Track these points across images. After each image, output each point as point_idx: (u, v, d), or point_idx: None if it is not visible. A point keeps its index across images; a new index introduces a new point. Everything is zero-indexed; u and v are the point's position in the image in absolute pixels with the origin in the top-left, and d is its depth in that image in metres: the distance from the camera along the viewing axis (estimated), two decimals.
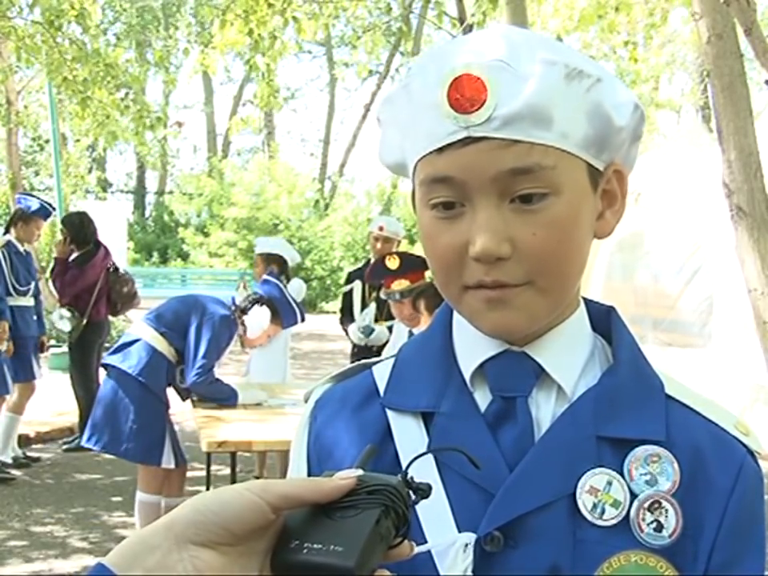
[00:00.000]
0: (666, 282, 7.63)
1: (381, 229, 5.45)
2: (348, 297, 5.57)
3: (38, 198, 6.43)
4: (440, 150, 0.75)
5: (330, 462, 0.84)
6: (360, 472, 0.64)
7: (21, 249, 6.14)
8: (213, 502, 0.58)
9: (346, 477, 0.63)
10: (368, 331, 5.33)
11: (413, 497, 0.64)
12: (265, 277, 5.54)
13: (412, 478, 0.64)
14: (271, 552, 0.60)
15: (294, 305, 5.18)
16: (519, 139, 0.73)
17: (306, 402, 0.91)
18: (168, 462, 4.13)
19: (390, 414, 0.83)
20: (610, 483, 0.76)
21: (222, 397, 4.29)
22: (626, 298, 7.83)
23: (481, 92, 0.72)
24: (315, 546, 0.59)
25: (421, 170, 0.78)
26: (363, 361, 0.92)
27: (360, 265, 5.84)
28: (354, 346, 5.51)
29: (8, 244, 6.03)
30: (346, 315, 5.53)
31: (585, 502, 0.75)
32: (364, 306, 5.45)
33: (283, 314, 4.62)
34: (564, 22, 8.19)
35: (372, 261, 5.47)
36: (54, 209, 6.36)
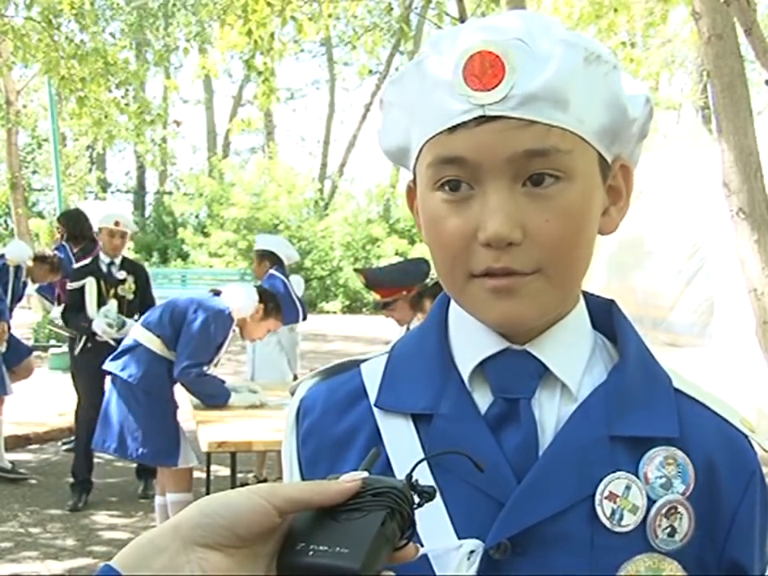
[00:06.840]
0: (666, 283, 7.62)
1: (117, 224, 5.22)
2: (77, 293, 5.24)
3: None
4: (451, 129, 0.71)
5: (318, 469, 0.82)
6: (365, 474, 0.64)
7: (11, 269, 5.99)
8: (220, 505, 0.58)
9: (352, 479, 0.62)
10: (120, 323, 5.14)
11: (417, 499, 0.64)
12: (271, 272, 5.52)
13: (417, 480, 0.64)
14: (277, 554, 0.61)
15: (298, 302, 5.15)
16: (536, 120, 0.70)
17: (292, 395, 0.88)
18: (187, 461, 4.13)
19: (378, 416, 0.80)
20: (628, 488, 0.73)
21: (211, 392, 4.16)
22: (625, 298, 7.82)
23: (498, 70, 0.70)
24: (321, 548, 0.59)
25: (429, 151, 0.74)
26: (352, 357, 0.88)
27: (88, 261, 5.39)
28: (86, 341, 5.22)
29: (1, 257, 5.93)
30: (72, 312, 5.22)
31: (604, 508, 0.73)
32: (101, 303, 5.19)
33: (285, 310, 4.60)
34: (563, 21, 8.20)
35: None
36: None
